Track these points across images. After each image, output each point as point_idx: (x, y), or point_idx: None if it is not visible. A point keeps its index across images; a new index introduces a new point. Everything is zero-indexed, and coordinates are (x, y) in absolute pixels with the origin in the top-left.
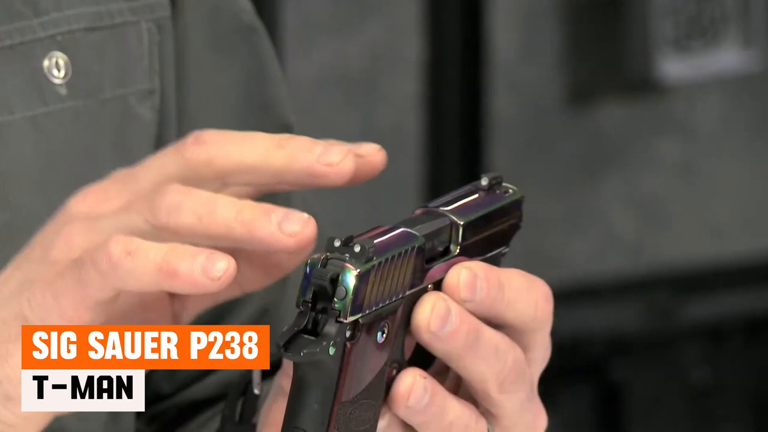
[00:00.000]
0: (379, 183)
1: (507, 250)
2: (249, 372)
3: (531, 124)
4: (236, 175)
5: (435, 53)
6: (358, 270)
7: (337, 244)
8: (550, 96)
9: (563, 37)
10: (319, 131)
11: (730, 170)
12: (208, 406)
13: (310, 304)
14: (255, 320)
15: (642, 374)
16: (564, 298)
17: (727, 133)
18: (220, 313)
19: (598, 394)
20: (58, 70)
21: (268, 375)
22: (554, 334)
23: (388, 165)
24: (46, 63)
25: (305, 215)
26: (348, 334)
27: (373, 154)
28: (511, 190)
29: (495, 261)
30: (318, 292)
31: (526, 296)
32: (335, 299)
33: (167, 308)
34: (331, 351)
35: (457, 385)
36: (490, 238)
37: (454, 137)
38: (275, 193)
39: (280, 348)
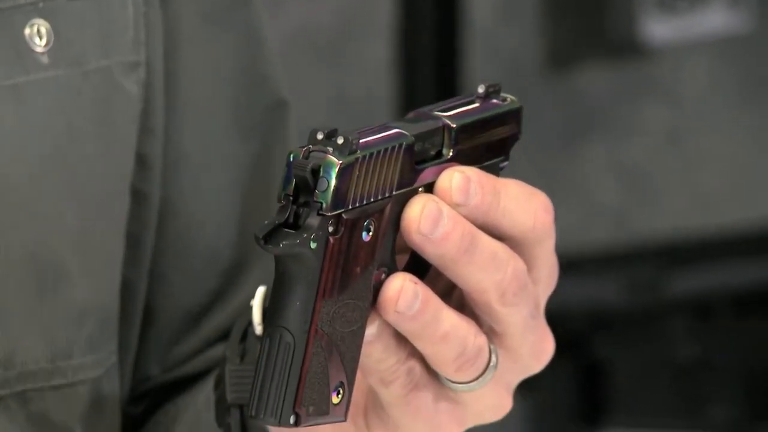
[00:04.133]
0: None
1: (506, 163)
2: (249, 315)
3: (509, 90)
4: None
5: (408, 16)
6: (341, 161)
7: (320, 136)
8: (530, 60)
9: None
10: None
11: (718, 137)
12: (198, 380)
13: (291, 198)
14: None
15: (626, 351)
16: None
17: (715, 98)
18: (214, 299)
19: (579, 372)
20: (40, 38)
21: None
22: None
23: None
24: (27, 31)
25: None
26: (331, 229)
27: None
28: (509, 99)
29: (492, 171)
30: (299, 184)
31: (524, 205)
32: (317, 191)
33: None
34: (313, 245)
35: (460, 307)
36: (487, 146)
37: (428, 103)
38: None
39: (260, 240)
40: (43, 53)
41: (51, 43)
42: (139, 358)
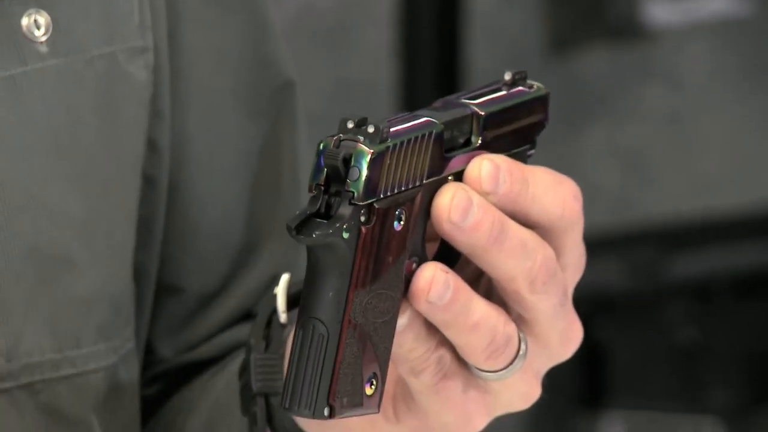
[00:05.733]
0: None
1: (533, 150)
2: (274, 302)
3: None
4: None
5: (409, 1)
6: (372, 150)
7: (350, 125)
8: (530, 43)
9: None
10: None
11: (719, 120)
12: (212, 365)
13: (322, 188)
14: (264, 287)
15: (626, 334)
16: None
17: (716, 81)
18: (225, 282)
19: (579, 355)
20: (38, 28)
21: (293, 306)
22: None
23: None
24: (24, 21)
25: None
26: (363, 218)
27: None
28: (536, 86)
29: (520, 159)
30: (331, 174)
31: (553, 193)
32: (348, 181)
33: None
34: (345, 234)
35: (488, 294)
36: (514, 134)
37: (429, 89)
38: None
39: (291, 230)
40: (42, 43)
41: (50, 33)
42: (152, 339)
